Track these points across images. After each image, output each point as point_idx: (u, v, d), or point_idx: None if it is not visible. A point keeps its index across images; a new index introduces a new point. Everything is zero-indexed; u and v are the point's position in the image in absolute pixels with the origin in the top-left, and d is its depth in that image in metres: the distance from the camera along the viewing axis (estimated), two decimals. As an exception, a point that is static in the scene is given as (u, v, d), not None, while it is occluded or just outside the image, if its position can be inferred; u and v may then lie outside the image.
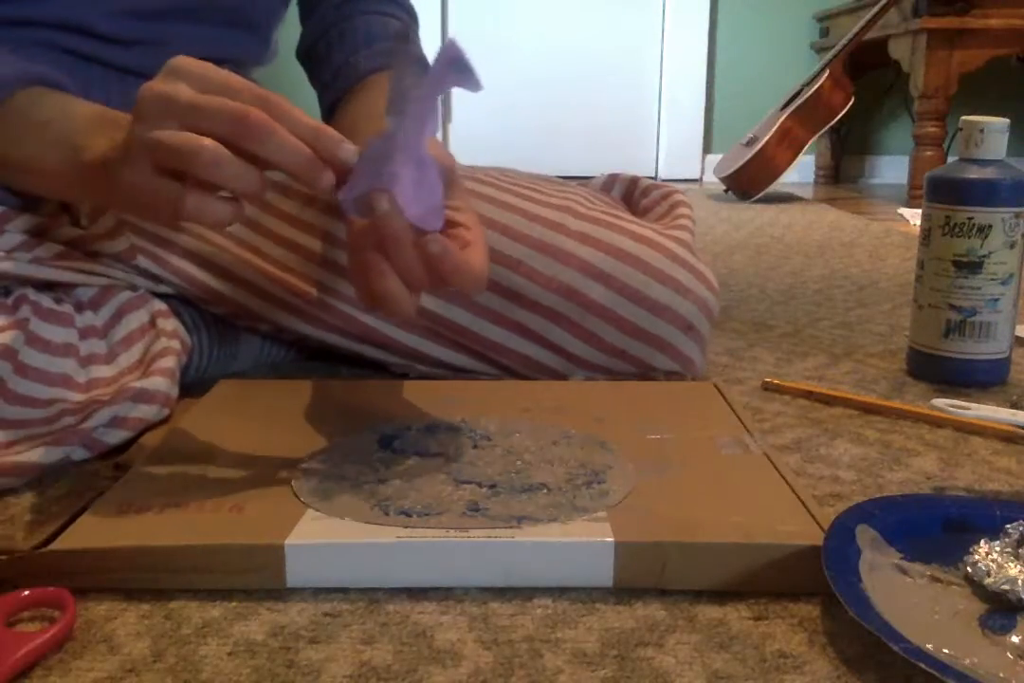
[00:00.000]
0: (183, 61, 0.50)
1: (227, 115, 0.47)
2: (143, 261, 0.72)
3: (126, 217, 0.71)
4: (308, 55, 0.88)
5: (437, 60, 0.48)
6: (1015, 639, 0.41)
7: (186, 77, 0.49)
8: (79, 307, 0.68)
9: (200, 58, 0.81)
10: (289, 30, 0.89)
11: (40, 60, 0.71)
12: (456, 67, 0.48)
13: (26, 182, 0.62)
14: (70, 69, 0.73)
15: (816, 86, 2.39)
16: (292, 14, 0.90)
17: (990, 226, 0.77)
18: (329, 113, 0.84)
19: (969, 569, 0.45)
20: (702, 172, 3.01)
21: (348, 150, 0.49)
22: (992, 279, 0.78)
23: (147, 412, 0.64)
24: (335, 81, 0.83)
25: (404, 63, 0.50)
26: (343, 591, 0.46)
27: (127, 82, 0.76)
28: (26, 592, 0.44)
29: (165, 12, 0.76)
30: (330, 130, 0.49)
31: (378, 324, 0.75)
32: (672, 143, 3.01)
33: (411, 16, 0.90)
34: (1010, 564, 0.45)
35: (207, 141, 0.46)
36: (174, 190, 0.48)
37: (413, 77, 0.49)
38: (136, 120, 0.49)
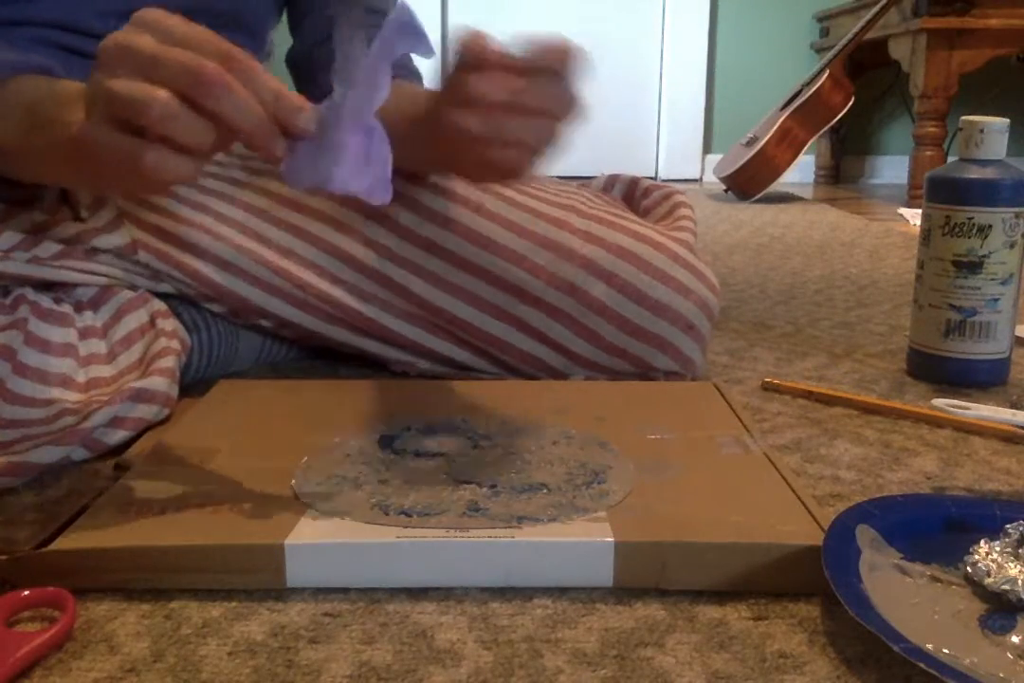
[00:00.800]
0: (150, 12, 0.48)
1: (184, 67, 0.45)
2: (144, 256, 0.72)
3: (105, 194, 0.70)
4: (300, 62, 0.87)
5: (386, 24, 0.46)
6: (1015, 639, 0.41)
7: (152, 29, 0.48)
8: (78, 307, 0.68)
9: None
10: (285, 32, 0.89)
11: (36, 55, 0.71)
12: (406, 31, 0.47)
13: (24, 169, 0.60)
14: (67, 65, 0.74)
15: (816, 86, 2.39)
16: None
17: (990, 226, 0.77)
18: None
19: (969, 569, 0.45)
20: (702, 172, 3.01)
21: (306, 118, 0.47)
22: (992, 279, 0.78)
23: (147, 412, 0.64)
24: None
25: (349, 27, 0.47)
26: (343, 591, 0.46)
27: None
28: (26, 592, 0.44)
29: None
30: (292, 95, 0.47)
31: (379, 315, 0.75)
32: (672, 143, 3.01)
33: None
34: (1010, 564, 0.45)
35: (161, 92, 0.45)
36: (133, 144, 0.46)
37: (359, 42, 0.47)
38: (95, 70, 0.48)
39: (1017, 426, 0.69)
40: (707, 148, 3.02)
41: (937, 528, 0.49)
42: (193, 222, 0.74)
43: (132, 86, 0.45)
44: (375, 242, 0.75)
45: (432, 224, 0.75)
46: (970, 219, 0.77)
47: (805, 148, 2.40)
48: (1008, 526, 0.47)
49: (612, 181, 0.94)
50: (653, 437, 0.60)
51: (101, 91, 0.47)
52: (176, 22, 0.48)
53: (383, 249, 0.75)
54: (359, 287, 0.75)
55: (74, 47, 0.74)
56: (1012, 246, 0.78)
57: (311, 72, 0.86)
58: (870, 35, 2.41)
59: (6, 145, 0.58)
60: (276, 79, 0.47)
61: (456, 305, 0.74)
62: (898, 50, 2.39)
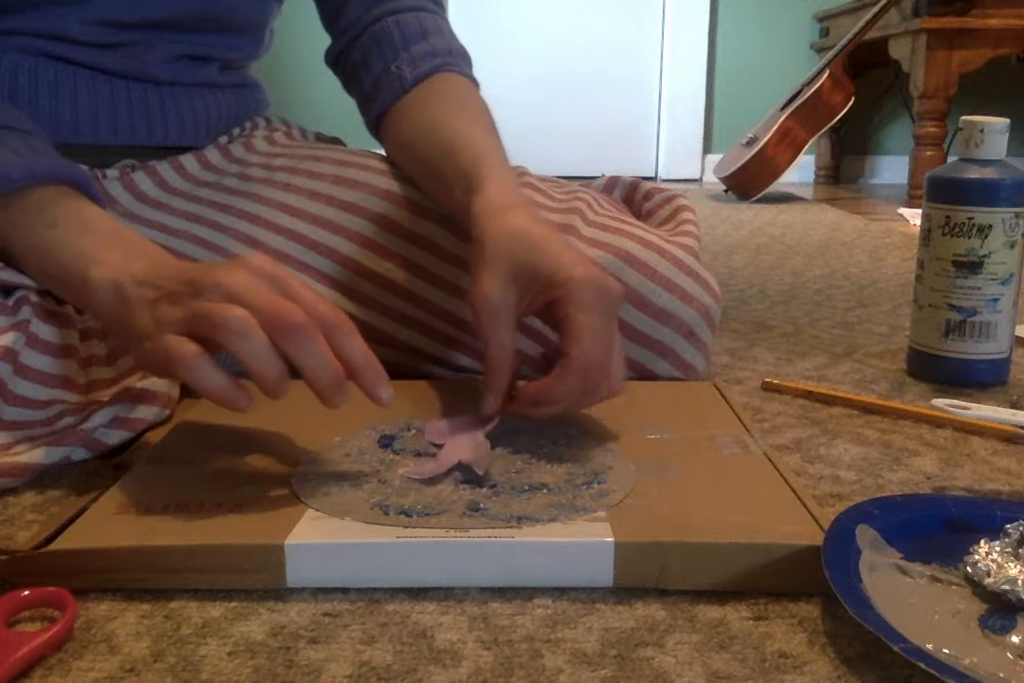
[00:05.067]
0: (256, 258, 0.50)
1: (272, 309, 0.47)
2: None
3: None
4: (340, 61, 0.86)
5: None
6: (1015, 639, 0.41)
7: (255, 273, 0.49)
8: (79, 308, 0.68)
9: (186, 57, 0.81)
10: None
11: (24, 66, 0.71)
12: None
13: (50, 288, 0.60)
14: (54, 73, 0.74)
15: (816, 86, 2.39)
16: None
17: (990, 226, 0.77)
18: (377, 123, 0.83)
19: (969, 569, 0.45)
20: (702, 172, 3.01)
21: (385, 395, 0.51)
22: (992, 279, 0.78)
23: (148, 413, 0.64)
24: (377, 90, 0.82)
25: None
26: (343, 591, 0.46)
27: (113, 83, 0.77)
28: (26, 592, 0.44)
29: (144, 22, 0.76)
30: (380, 370, 0.51)
31: (374, 318, 0.75)
32: (672, 143, 3.01)
33: (439, 4, 0.90)
34: (1010, 564, 0.45)
35: (240, 310, 0.46)
36: (188, 348, 0.47)
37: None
38: (177, 295, 0.50)
39: (1017, 426, 0.69)
40: (707, 148, 3.02)
41: (937, 528, 0.49)
42: (183, 234, 0.74)
43: (216, 305, 0.47)
44: (376, 244, 0.75)
45: (451, 235, 0.75)
46: (970, 219, 0.77)
47: (805, 148, 2.40)
48: (1008, 526, 0.47)
49: (612, 183, 0.94)
50: (653, 437, 0.60)
51: (184, 313, 0.48)
52: (281, 273, 0.50)
53: (381, 250, 0.75)
54: (356, 289, 0.75)
55: (61, 55, 0.75)
56: (1012, 246, 0.78)
57: (351, 69, 0.85)
58: (870, 35, 2.41)
59: (33, 268, 0.58)
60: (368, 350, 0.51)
61: (458, 305, 0.74)
62: (898, 50, 2.39)
